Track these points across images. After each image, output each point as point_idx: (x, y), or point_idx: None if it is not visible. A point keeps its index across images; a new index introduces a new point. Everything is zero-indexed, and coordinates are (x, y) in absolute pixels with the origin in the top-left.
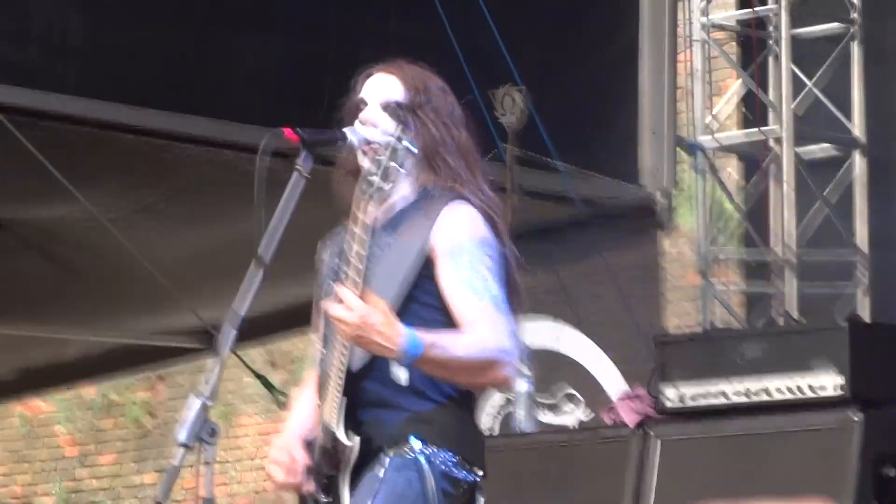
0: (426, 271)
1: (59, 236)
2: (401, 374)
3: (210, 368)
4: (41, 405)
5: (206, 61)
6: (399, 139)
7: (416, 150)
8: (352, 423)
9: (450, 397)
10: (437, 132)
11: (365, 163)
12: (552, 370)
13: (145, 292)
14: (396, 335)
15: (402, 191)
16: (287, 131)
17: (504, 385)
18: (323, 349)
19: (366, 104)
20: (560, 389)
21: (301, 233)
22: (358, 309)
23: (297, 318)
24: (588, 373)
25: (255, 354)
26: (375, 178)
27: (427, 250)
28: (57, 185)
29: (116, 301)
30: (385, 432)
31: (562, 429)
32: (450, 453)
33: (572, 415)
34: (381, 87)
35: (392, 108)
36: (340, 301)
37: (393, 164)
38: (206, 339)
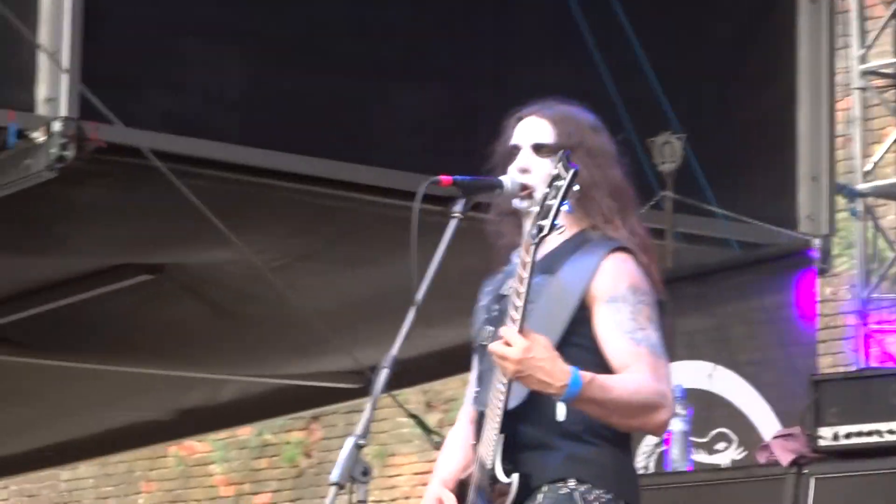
0: (582, 315)
1: (218, 281)
2: (559, 410)
3: (364, 408)
4: (196, 445)
5: (363, 110)
6: (565, 179)
7: (578, 189)
8: (509, 463)
9: (606, 438)
10: (587, 172)
11: (531, 206)
12: (705, 410)
13: (302, 336)
14: (558, 370)
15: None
16: (444, 178)
17: (660, 430)
18: (478, 388)
19: (519, 149)
20: (713, 429)
21: (456, 278)
22: (519, 345)
23: (452, 360)
24: (741, 412)
25: (411, 395)
26: (545, 223)
27: (586, 296)
28: (217, 231)
29: (273, 344)
30: (542, 473)
31: (715, 467)
32: (604, 491)
33: (725, 454)
34: (533, 131)
35: (545, 153)
36: (503, 340)
37: (561, 206)
38: (361, 381)
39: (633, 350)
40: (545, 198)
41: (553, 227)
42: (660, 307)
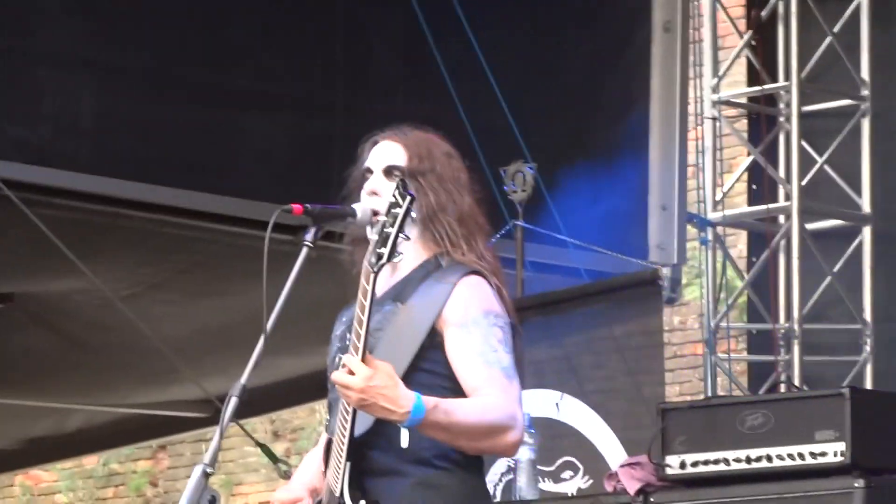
0: (433, 342)
1: (67, 310)
2: (402, 437)
3: (212, 437)
4: (42, 474)
5: (214, 140)
6: (402, 207)
7: (416, 217)
8: (358, 490)
9: (456, 462)
10: (435, 197)
11: (372, 234)
12: (552, 438)
13: (150, 365)
14: (400, 397)
15: (406, 257)
16: (296, 207)
17: (510, 451)
18: (328, 416)
19: (371, 172)
20: (559, 457)
21: (305, 307)
22: (361, 373)
23: (300, 389)
24: (588, 441)
25: (259, 425)
26: (384, 251)
27: (437, 322)
28: (67, 261)
29: (121, 373)
30: (391, 499)
31: (561, 496)
32: None
33: (571, 482)
34: (385, 155)
35: (395, 177)
36: (345, 368)
37: (399, 234)
38: (209, 409)
39: (484, 372)
40: (383, 225)
41: (392, 254)
42: (513, 330)
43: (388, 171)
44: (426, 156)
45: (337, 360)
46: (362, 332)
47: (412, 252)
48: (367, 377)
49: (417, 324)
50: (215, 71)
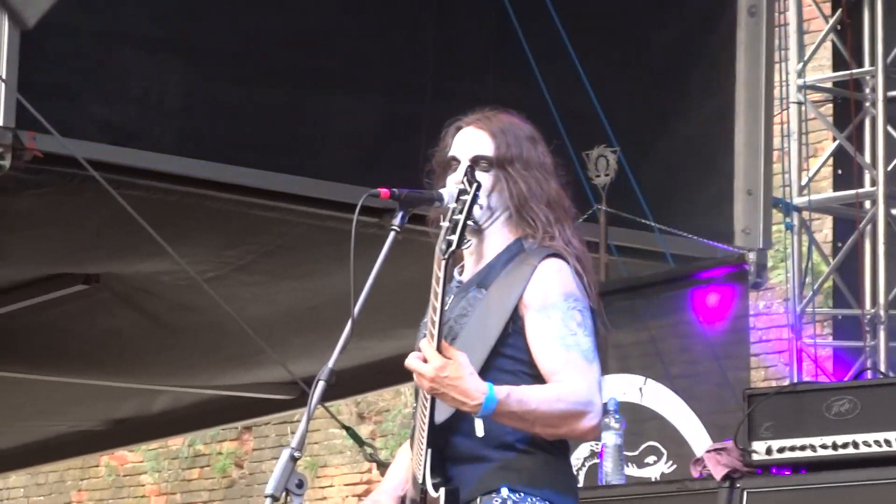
0: (515, 326)
1: (153, 292)
2: (477, 426)
3: (298, 419)
4: (128, 455)
5: (300, 122)
6: (469, 194)
7: (483, 206)
8: (441, 476)
9: (539, 446)
10: (525, 184)
11: (444, 221)
12: (636, 423)
13: (236, 347)
14: (472, 389)
15: (493, 242)
16: (383, 191)
17: (589, 435)
18: (415, 403)
19: (457, 161)
20: (643, 442)
21: (392, 290)
22: (434, 362)
23: (385, 372)
24: (671, 426)
25: (344, 407)
26: (453, 238)
27: (518, 306)
28: (153, 242)
29: (206, 354)
30: (474, 485)
31: (647, 481)
32: (538, 498)
33: (655, 467)
34: (471, 143)
35: (482, 167)
36: (420, 355)
37: (468, 221)
38: (294, 392)
39: (562, 356)
40: (452, 212)
41: (461, 242)
42: (594, 315)
43: (475, 161)
44: (513, 143)
45: (417, 346)
46: (437, 319)
47: (498, 237)
48: (439, 367)
49: (499, 309)
50: (302, 53)
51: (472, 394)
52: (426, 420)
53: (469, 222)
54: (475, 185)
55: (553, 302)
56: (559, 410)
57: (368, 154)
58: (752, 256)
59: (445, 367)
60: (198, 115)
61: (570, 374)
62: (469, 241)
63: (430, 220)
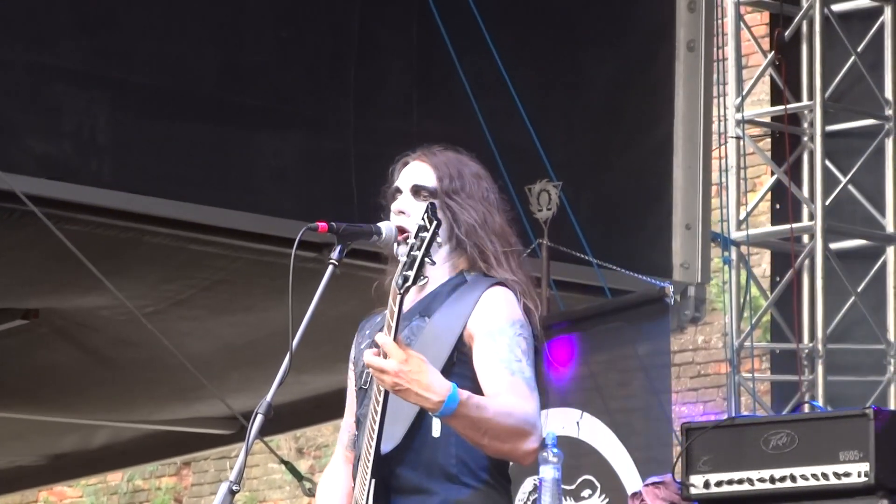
0: (461, 354)
1: (93, 326)
2: (434, 426)
3: (237, 454)
4: (67, 490)
5: (229, 157)
6: (429, 231)
7: (442, 243)
8: None
9: (484, 482)
10: (469, 217)
11: (399, 255)
12: (573, 457)
13: (175, 381)
14: (436, 384)
15: (436, 273)
16: (321, 224)
17: (528, 458)
18: (357, 431)
19: (400, 192)
20: (580, 475)
21: (330, 325)
22: (396, 356)
23: (324, 406)
24: (605, 460)
25: (283, 442)
26: (410, 274)
27: (464, 335)
28: (92, 277)
29: (146, 389)
30: None
31: None
32: None
33: (590, 500)
34: (414, 175)
35: (423, 197)
36: (379, 350)
37: (426, 258)
38: (234, 426)
39: (507, 379)
40: (411, 248)
41: (418, 278)
42: (536, 349)
43: (416, 191)
44: (455, 175)
45: (366, 374)
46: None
47: (441, 269)
48: (403, 360)
49: (444, 337)
50: (231, 88)
51: (436, 388)
52: (371, 450)
53: (427, 259)
54: (434, 222)
55: (500, 327)
56: (509, 425)
57: (298, 189)
58: (691, 291)
59: (408, 361)
60: (131, 150)
61: (514, 395)
62: (425, 277)
63: (388, 256)
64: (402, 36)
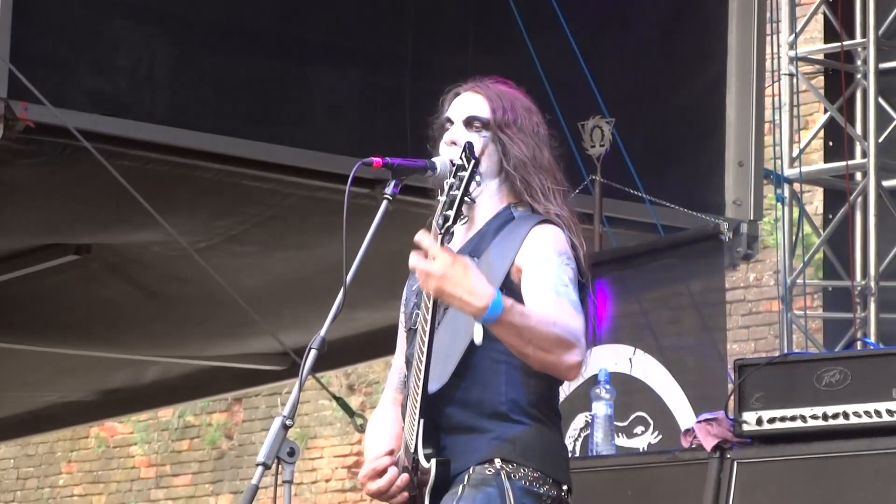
0: (508, 292)
1: (144, 262)
2: (476, 333)
3: (289, 390)
4: (117, 426)
5: (284, 92)
6: (467, 170)
7: (491, 170)
8: (433, 446)
9: (534, 417)
10: (520, 151)
11: (440, 196)
12: (625, 394)
13: (227, 317)
14: (481, 288)
15: (483, 206)
16: (376, 160)
17: (572, 372)
18: (407, 371)
19: (451, 123)
20: (632, 412)
21: (382, 261)
22: (442, 258)
23: (376, 343)
24: (658, 397)
25: (334, 378)
26: (450, 213)
27: (512, 270)
28: (144, 213)
29: (198, 325)
30: (468, 455)
31: (636, 452)
32: (531, 469)
33: (642, 437)
34: (467, 106)
35: (475, 128)
36: (426, 254)
37: (465, 197)
38: (285, 362)
39: (553, 299)
40: (450, 188)
41: (457, 218)
42: (582, 284)
43: (469, 122)
44: (508, 108)
45: (416, 315)
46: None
47: (488, 204)
48: (448, 263)
49: (493, 276)
50: (288, 24)
51: (480, 292)
52: (419, 390)
53: (466, 199)
54: (472, 161)
55: (547, 257)
56: (554, 334)
57: (352, 125)
58: (743, 227)
59: (454, 264)
60: (187, 86)
61: (560, 311)
62: (465, 217)
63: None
64: None
